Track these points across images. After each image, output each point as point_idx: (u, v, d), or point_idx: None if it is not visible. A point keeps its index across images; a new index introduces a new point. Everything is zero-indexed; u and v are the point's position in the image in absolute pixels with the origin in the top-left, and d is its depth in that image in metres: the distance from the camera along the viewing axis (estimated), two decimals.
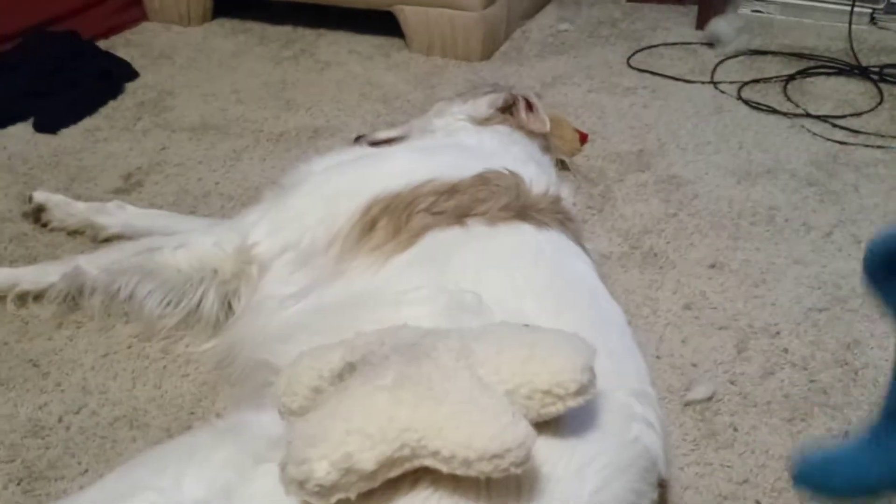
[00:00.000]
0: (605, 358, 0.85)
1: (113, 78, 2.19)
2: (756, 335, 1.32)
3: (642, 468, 0.86)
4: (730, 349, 1.29)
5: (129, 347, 1.31)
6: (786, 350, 1.29)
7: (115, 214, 1.56)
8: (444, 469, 0.71)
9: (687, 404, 1.19)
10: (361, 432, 0.71)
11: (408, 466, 0.72)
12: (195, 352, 1.30)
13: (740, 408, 1.18)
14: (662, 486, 0.90)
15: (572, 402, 0.78)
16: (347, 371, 0.82)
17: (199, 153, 1.88)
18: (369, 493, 0.72)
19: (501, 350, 0.80)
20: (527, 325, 0.88)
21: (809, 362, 1.27)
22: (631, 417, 0.89)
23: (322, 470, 0.69)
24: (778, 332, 1.33)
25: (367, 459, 0.70)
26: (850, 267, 1.47)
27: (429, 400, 0.73)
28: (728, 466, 1.09)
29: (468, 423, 0.71)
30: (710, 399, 1.19)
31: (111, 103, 2.10)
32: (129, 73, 2.24)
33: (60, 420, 1.17)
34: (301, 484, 0.70)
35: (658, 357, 1.26)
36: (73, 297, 1.36)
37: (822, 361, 1.27)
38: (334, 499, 0.70)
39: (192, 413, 1.20)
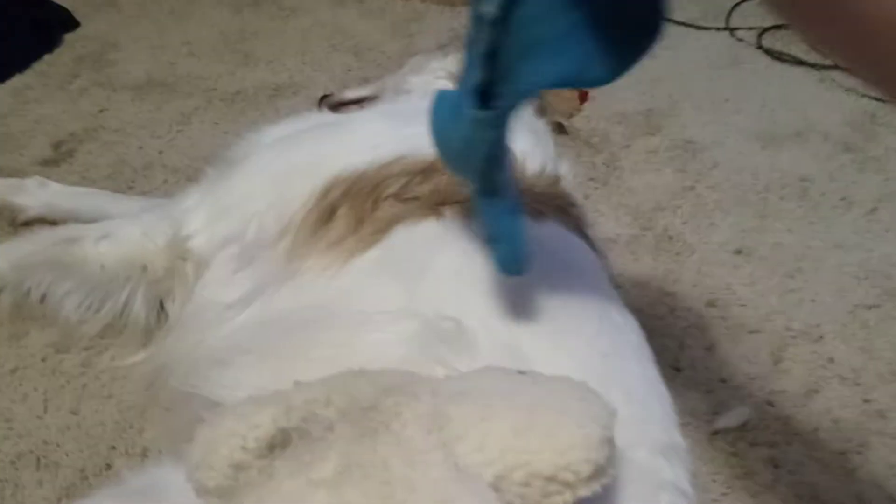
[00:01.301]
0: (622, 401, 0.64)
1: (49, 28, 1.93)
2: (795, 340, 1.11)
3: None
4: (765, 359, 1.08)
5: (44, 360, 1.09)
6: (831, 360, 1.08)
7: (36, 193, 1.32)
8: None
9: (715, 433, 0.98)
10: None
11: None
12: (121, 366, 1.08)
13: (781, 437, 0.98)
14: None
15: (584, 490, 0.56)
16: (279, 441, 0.60)
17: (143, 116, 1.63)
18: None
19: (488, 416, 0.58)
20: (522, 372, 0.65)
21: (861, 376, 1.06)
22: (659, 486, 0.68)
23: None
24: (821, 336, 1.11)
25: None
26: None
27: (384, 502, 0.52)
28: None
29: None
30: (744, 426, 0.98)
31: (46, 58, 1.83)
32: (68, 23, 1.97)
33: None
34: None
35: (678, 370, 1.05)
36: None
37: (876, 375, 1.06)
38: None
39: (114, 448, 0.98)
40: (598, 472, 0.56)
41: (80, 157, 1.51)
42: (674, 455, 0.72)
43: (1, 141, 1.55)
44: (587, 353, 0.77)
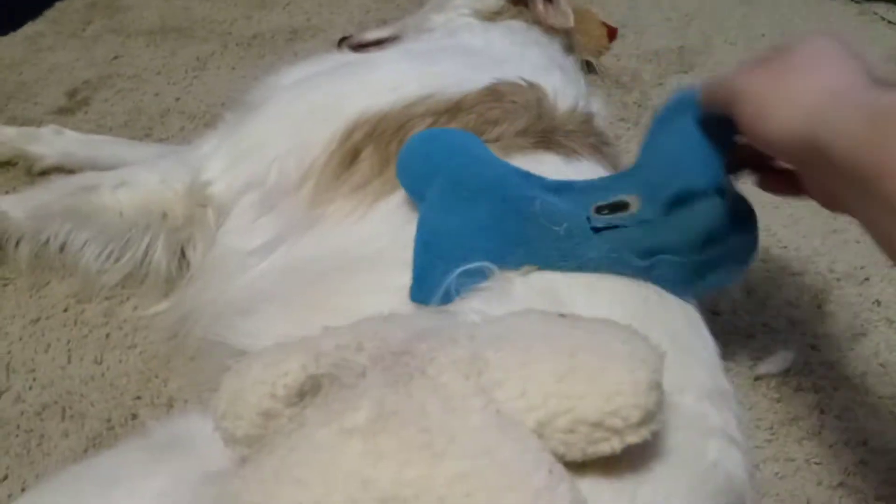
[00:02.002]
0: (666, 345, 0.60)
1: None
2: (839, 283, 1.06)
3: None
4: (808, 303, 1.03)
5: (65, 311, 1.07)
6: (878, 302, 1.04)
7: (52, 142, 1.29)
8: None
9: (758, 378, 0.94)
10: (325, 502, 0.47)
11: None
12: (144, 316, 1.06)
13: (827, 382, 0.94)
14: None
15: (633, 437, 0.53)
16: (310, 388, 0.57)
17: (158, 62, 1.59)
18: None
19: (529, 360, 0.55)
20: (562, 315, 0.62)
21: None
22: (707, 432, 0.65)
23: None
24: (867, 278, 1.07)
25: None
26: None
27: (422, 450, 0.49)
28: (817, 463, 0.85)
29: (484, 489, 0.47)
30: (787, 371, 0.94)
31: (57, 5, 1.78)
32: None
33: None
34: None
35: (716, 314, 1.00)
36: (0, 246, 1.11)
37: None
38: None
39: (139, 398, 0.96)
40: (648, 418, 0.53)
41: (96, 105, 1.47)
42: (721, 400, 0.69)
43: (15, 90, 1.51)
44: (627, 296, 0.74)
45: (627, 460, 0.57)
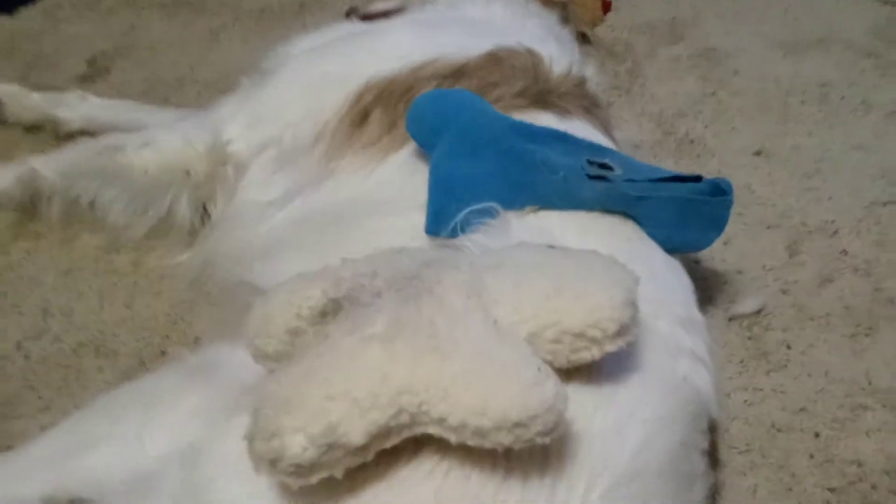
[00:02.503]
0: (645, 278, 0.69)
1: None
2: (811, 235, 1.16)
3: (692, 414, 0.72)
4: (780, 252, 1.13)
5: (96, 261, 1.16)
6: (845, 252, 1.13)
7: (77, 107, 1.37)
8: (453, 439, 0.56)
9: (732, 319, 1.04)
10: (347, 397, 0.56)
11: (406, 434, 0.57)
12: (169, 265, 1.15)
13: (794, 322, 1.04)
14: (714, 430, 0.76)
15: (611, 346, 0.62)
16: (331, 309, 0.66)
17: (172, 34, 1.67)
18: (359, 467, 0.58)
19: (521, 282, 0.64)
20: (552, 247, 0.71)
21: (873, 267, 1.12)
22: (678, 352, 0.74)
23: (297, 446, 0.54)
24: (836, 231, 1.16)
25: (355, 431, 0.55)
26: None
27: (432, 353, 0.58)
28: (782, 392, 0.95)
29: (482, 383, 0.56)
30: (759, 312, 1.04)
31: None
32: None
33: (19, 347, 1.04)
34: (272, 462, 0.55)
35: (696, 262, 1.09)
36: (32, 204, 1.19)
37: (889, 265, 1.12)
38: (315, 478, 0.56)
39: (167, 337, 1.05)
40: (623, 330, 0.62)
41: (115, 73, 1.55)
42: (692, 327, 0.78)
43: (37, 59, 1.60)
44: (613, 237, 0.83)
45: (607, 371, 0.66)
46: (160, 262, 1.15)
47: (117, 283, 1.13)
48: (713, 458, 0.76)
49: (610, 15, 1.66)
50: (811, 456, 0.89)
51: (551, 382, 0.57)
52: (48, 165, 1.19)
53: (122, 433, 0.73)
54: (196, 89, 1.50)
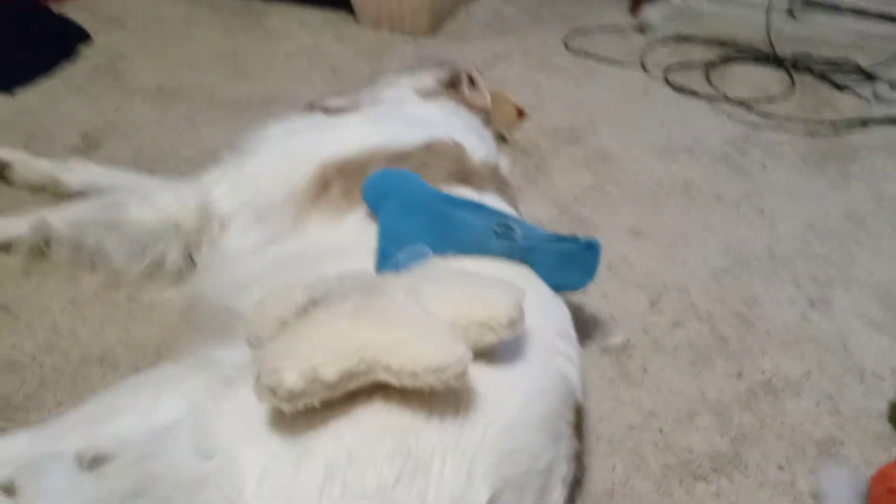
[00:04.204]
0: (534, 303, 0.99)
1: (66, 40, 2.23)
2: (668, 291, 1.49)
3: (562, 393, 1.00)
4: (644, 303, 1.45)
5: (96, 294, 1.39)
6: (693, 304, 1.46)
7: (79, 172, 1.60)
8: (395, 382, 0.82)
9: (604, 350, 1.34)
10: (325, 348, 0.82)
11: (364, 380, 0.84)
12: (160, 299, 1.39)
13: (651, 353, 1.35)
14: (578, 410, 1.05)
15: (504, 334, 0.91)
16: (311, 306, 0.94)
17: (154, 115, 1.94)
18: (331, 404, 0.84)
19: (444, 289, 0.93)
20: (467, 272, 1.01)
21: (713, 315, 1.44)
22: (554, 351, 1.03)
23: (291, 379, 0.80)
24: (687, 290, 1.50)
25: (330, 371, 0.81)
26: (753, 233, 1.66)
27: (383, 325, 0.86)
28: (638, 401, 1.25)
29: (415, 343, 0.84)
30: (625, 345, 1.35)
31: (66, 66, 2.14)
32: (82, 36, 2.28)
33: (34, 358, 1.25)
34: (272, 391, 0.81)
35: (580, 308, 1.41)
36: (41, 248, 1.42)
37: (723, 315, 1.45)
38: (301, 404, 0.81)
39: (160, 354, 1.29)
40: (513, 323, 0.91)
41: (106, 146, 1.81)
42: (567, 338, 1.08)
43: (35, 132, 1.84)
44: (512, 275, 1.13)
45: (502, 355, 0.95)
46: (152, 296, 1.40)
47: (115, 312, 1.35)
48: (578, 430, 1.04)
49: (524, 120, 2.03)
50: (656, 444, 1.19)
51: (461, 345, 0.85)
52: (58, 216, 1.43)
53: (140, 404, 0.91)
54: (176, 163, 1.76)
